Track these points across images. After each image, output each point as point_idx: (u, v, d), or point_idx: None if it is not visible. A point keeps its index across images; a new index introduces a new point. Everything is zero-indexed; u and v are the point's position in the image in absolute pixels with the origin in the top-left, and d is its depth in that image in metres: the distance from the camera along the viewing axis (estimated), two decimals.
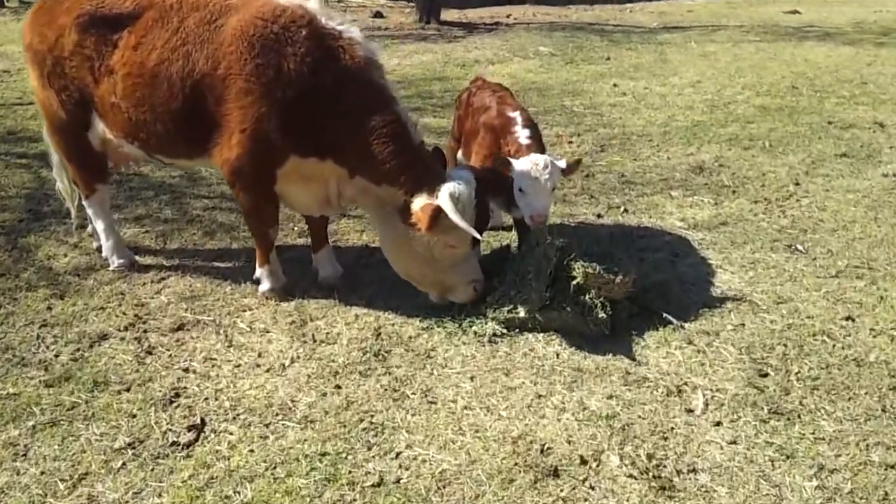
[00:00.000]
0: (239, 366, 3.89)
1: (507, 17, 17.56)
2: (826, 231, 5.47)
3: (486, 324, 4.10)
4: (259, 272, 4.56)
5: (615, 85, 10.29)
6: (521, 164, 4.17)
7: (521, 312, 4.03)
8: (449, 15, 17.76)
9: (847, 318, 4.26)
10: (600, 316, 3.99)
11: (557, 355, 3.92)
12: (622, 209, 5.93)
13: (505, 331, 4.07)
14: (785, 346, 4.00)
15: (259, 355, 3.98)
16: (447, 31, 15.13)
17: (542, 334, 4.06)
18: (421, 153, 4.16)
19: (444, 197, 3.87)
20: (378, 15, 17.49)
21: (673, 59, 12.06)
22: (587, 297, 4.03)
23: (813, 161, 6.95)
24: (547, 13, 18.07)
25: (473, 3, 19.71)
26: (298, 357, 3.94)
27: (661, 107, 9.05)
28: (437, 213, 3.87)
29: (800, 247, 5.20)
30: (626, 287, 4.11)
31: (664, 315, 4.21)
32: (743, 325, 4.21)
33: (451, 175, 4.11)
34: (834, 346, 4.00)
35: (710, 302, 4.44)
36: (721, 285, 4.67)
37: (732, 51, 12.67)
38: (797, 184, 6.40)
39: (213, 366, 3.88)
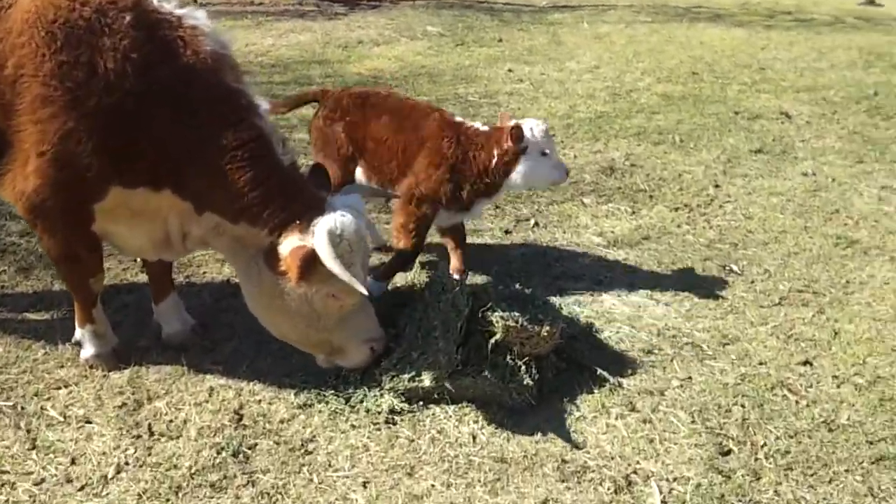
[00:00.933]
0: (42, 482, 2.82)
1: None
2: (758, 244, 4.89)
3: (381, 397, 3.19)
4: (79, 333, 3.47)
5: (510, 70, 9.52)
6: (535, 127, 3.79)
7: (426, 381, 3.15)
8: None
9: (805, 363, 3.65)
10: (525, 382, 3.18)
11: (474, 439, 3.07)
12: (532, 222, 5.15)
13: (406, 405, 3.18)
14: (743, 406, 3.33)
15: (73, 461, 2.92)
16: (327, 8, 13.92)
17: (452, 408, 3.20)
18: (291, 179, 3.16)
19: (321, 236, 2.93)
20: None
21: (567, 42, 11.43)
22: (508, 357, 3.20)
23: (728, 159, 6.41)
24: None
25: None
26: (128, 463, 2.91)
27: (560, 95, 8.34)
28: (310, 259, 2.93)
29: (734, 267, 4.58)
30: (553, 339, 3.32)
31: (597, 371, 3.44)
32: (690, 378, 3.51)
33: (334, 203, 3.13)
34: (797, 403, 3.36)
35: (647, 347, 3.72)
36: (656, 322, 3.96)
37: (626, 32, 12.18)
38: (717, 185, 5.83)
39: (1, 485, 2.80)
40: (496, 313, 3.22)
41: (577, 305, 4.01)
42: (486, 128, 4.03)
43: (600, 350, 3.63)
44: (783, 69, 9.75)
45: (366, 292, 3.02)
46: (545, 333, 3.26)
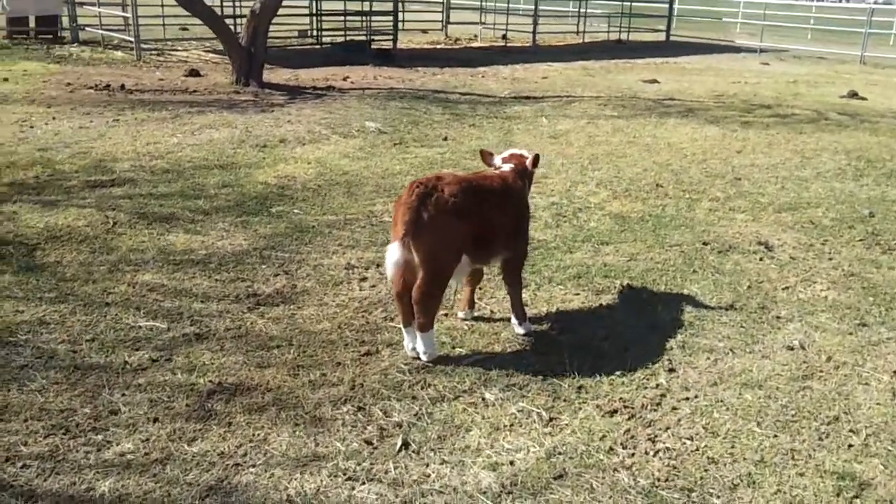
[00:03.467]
0: None
1: (344, 79, 15.37)
2: (723, 489, 3.34)
3: None
4: None
5: None
6: None
7: None
8: (278, 76, 15.40)
9: None
10: None
11: None
12: (399, 442, 3.60)
13: None
14: None
15: None
16: (266, 97, 12.73)
17: None
18: None
19: None
20: (193, 73, 14.89)
21: (518, 142, 10.11)
22: None
23: (691, 321, 4.92)
24: (390, 76, 16.04)
25: (314, 61, 17.46)
26: None
27: None
28: None
29: None
30: None
31: None
32: None
33: None
34: None
35: None
36: None
37: (587, 130, 10.92)
38: (671, 370, 4.32)
39: None
40: None
41: None
42: None
43: None
44: (761, 179, 8.40)
45: None
46: None
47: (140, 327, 4.61)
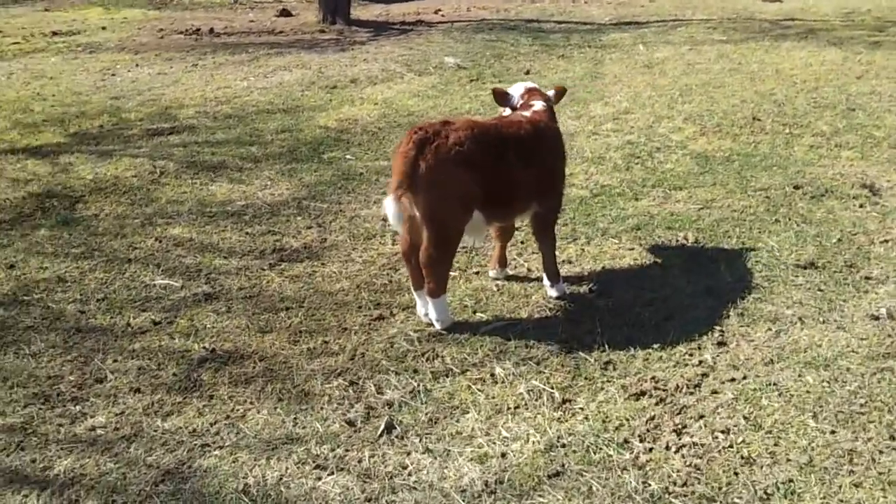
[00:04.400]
0: None
1: (436, 12, 14.76)
2: None
3: None
4: None
5: None
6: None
7: None
8: (369, 12, 14.99)
9: None
10: None
11: None
12: (390, 413, 3.23)
13: None
14: None
15: None
16: (350, 35, 12.36)
17: None
18: None
19: None
20: (284, 13, 14.73)
21: (608, 73, 9.30)
22: None
23: (757, 282, 4.22)
24: (484, 7, 15.26)
25: None
26: None
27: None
28: None
29: None
30: None
31: None
32: None
33: None
34: None
35: None
36: None
37: (687, 57, 9.89)
38: (721, 343, 3.69)
39: None
40: None
41: None
42: None
43: None
44: (880, 109, 7.26)
45: None
46: None
47: (154, 286, 4.45)
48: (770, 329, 3.77)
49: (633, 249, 4.71)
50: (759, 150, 6.38)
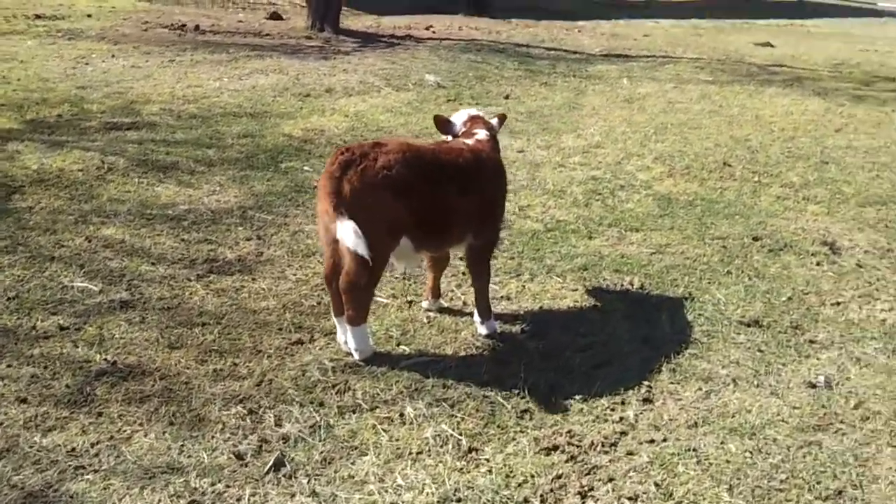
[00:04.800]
0: None
1: (427, 28, 14.68)
2: None
3: None
4: None
5: None
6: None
7: None
8: (359, 22, 14.89)
9: None
10: None
11: None
12: (283, 448, 3.04)
13: None
14: None
15: None
16: (336, 44, 12.23)
17: None
18: None
19: None
20: (275, 16, 14.62)
21: (587, 104, 9.19)
22: None
23: (695, 339, 4.05)
24: (476, 27, 15.19)
25: (403, 7, 16.79)
26: None
27: (519, 188, 6.15)
28: None
29: None
30: None
31: None
32: None
33: None
34: None
35: None
36: None
37: (669, 95, 9.80)
38: (647, 400, 3.51)
39: None
40: None
41: None
42: None
43: None
44: (853, 165, 7.17)
45: None
46: None
47: (72, 287, 4.24)
48: (700, 389, 3.60)
49: (576, 290, 4.55)
50: (724, 196, 6.25)
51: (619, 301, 4.43)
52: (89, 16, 13.02)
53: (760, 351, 3.96)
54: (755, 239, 5.38)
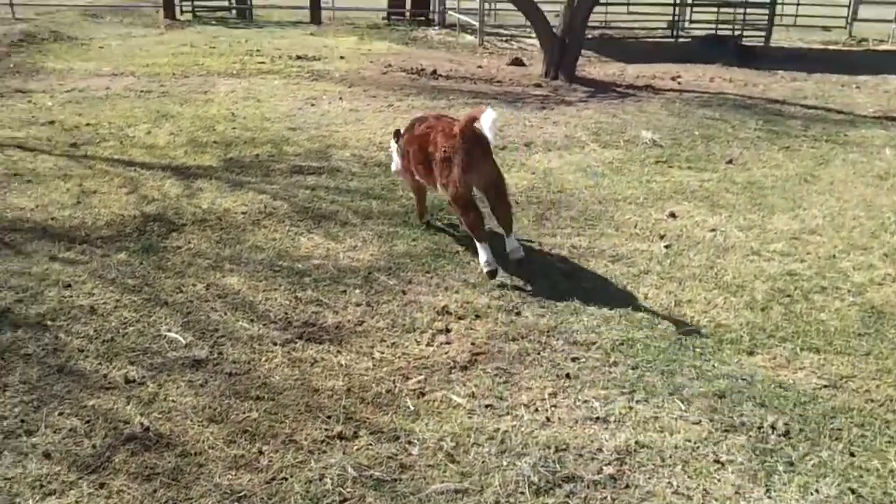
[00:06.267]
0: None
1: (673, 78, 13.72)
2: None
3: None
4: None
5: (672, 215, 6.53)
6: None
7: None
8: (602, 70, 14.36)
9: None
10: None
11: None
12: None
13: None
14: None
15: None
16: (564, 93, 11.85)
17: None
18: None
19: None
20: (516, 61, 14.63)
21: (824, 178, 7.81)
22: None
23: None
24: (731, 79, 13.89)
25: (661, 56, 15.96)
26: None
27: (686, 279, 5.25)
28: None
29: None
30: None
31: None
32: None
33: None
34: None
35: None
36: None
37: None
38: None
39: None
40: None
41: None
42: None
43: None
44: None
45: None
46: None
47: (163, 337, 4.27)
48: None
49: (696, 424, 3.65)
50: None
51: (740, 451, 3.45)
52: (342, 57, 13.92)
53: None
54: None
